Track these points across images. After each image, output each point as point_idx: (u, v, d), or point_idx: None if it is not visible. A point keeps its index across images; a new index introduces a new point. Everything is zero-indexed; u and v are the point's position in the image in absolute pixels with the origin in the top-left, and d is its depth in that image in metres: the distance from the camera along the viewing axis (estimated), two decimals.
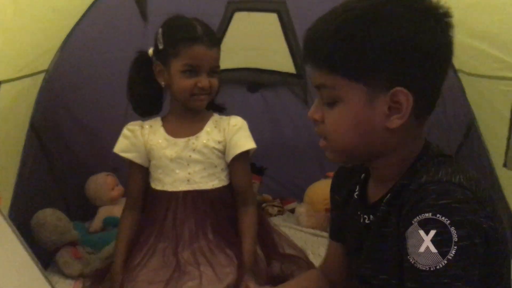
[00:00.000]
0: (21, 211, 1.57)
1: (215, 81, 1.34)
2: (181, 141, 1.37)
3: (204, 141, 1.36)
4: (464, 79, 1.72)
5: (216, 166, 1.38)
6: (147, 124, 1.42)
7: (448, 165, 0.74)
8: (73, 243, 1.75)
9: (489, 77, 1.55)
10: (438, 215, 0.66)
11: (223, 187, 1.39)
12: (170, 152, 1.37)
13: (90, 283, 1.46)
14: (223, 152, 1.38)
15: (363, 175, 0.90)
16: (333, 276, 1.02)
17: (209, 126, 1.38)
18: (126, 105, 1.96)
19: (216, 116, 1.42)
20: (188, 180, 1.36)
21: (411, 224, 0.68)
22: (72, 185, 1.99)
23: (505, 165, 1.52)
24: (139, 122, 1.44)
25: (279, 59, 1.97)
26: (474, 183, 0.70)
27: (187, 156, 1.36)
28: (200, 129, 1.38)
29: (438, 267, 0.64)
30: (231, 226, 1.38)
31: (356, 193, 0.89)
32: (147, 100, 1.41)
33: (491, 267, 0.73)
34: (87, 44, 1.79)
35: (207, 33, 1.31)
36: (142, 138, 1.39)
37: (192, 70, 1.30)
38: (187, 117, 1.39)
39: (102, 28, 1.80)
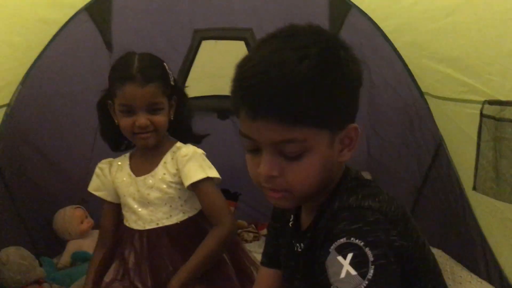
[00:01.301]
0: None
1: (158, 118, 1.28)
2: (140, 179, 1.35)
3: (160, 177, 1.33)
4: (431, 102, 1.75)
5: (177, 199, 1.35)
6: (116, 161, 1.41)
7: (360, 189, 0.76)
8: (39, 281, 1.70)
9: (455, 100, 1.57)
10: (352, 239, 0.68)
11: (189, 219, 1.36)
12: (132, 190, 1.35)
13: None
14: (181, 183, 1.35)
15: None
16: None
17: (166, 159, 1.35)
18: (94, 136, 1.95)
19: (175, 146, 1.38)
20: (151, 219, 1.34)
21: (329, 252, 0.69)
22: (38, 220, 1.94)
23: (474, 188, 1.53)
24: (109, 159, 1.43)
25: None
26: (384, 205, 0.73)
27: (145, 195, 1.34)
28: (157, 164, 1.35)
29: None
30: None
31: (291, 222, 0.90)
32: (118, 137, 1.37)
33: (413, 284, 0.76)
34: (51, 76, 1.77)
35: (142, 70, 1.25)
36: (110, 177, 1.39)
37: (128, 110, 1.26)
38: (147, 152, 1.37)
39: (65, 59, 1.78)
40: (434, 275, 0.80)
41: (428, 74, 1.67)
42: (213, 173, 1.32)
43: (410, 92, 1.83)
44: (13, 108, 1.65)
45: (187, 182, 1.30)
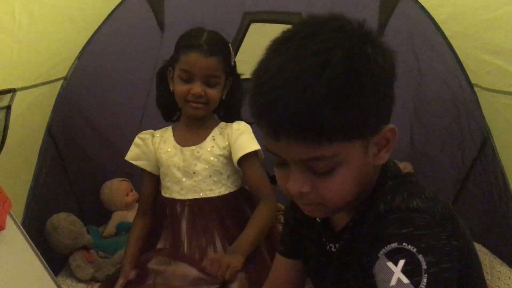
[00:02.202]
0: (36, 215, 1.60)
1: (212, 92, 1.34)
2: (187, 149, 1.40)
3: (208, 149, 1.38)
4: (480, 94, 1.71)
5: (221, 173, 1.39)
6: (158, 133, 1.46)
7: (404, 188, 0.72)
8: (86, 247, 1.78)
9: (505, 92, 1.53)
10: (404, 244, 0.64)
11: (230, 194, 1.41)
12: (178, 160, 1.40)
13: None
14: (229, 157, 1.39)
15: None
16: None
17: (214, 133, 1.40)
18: (142, 112, 2.02)
19: (222, 123, 1.44)
20: (195, 189, 1.38)
21: (378, 258, 0.65)
22: (87, 190, 2.02)
23: None
24: (150, 131, 1.48)
25: None
26: (432, 203, 0.69)
27: (192, 165, 1.38)
28: (205, 137, 1.40)
29: None
30: (239, 233, 1.38)
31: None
32: (171, 106, 1.44)
33: (470, 279, 0.74)
34: (105, 53, 1.83)
35: (210, 42, 1.32)
36: (153, 147, 1.43)
37: (187, 76, 1.32)
38: (193, 125, 1.42)
39: (119, 37, 1.84)
40: (479, 279, 0.78)
41: (479, 65, 1.63)
42: (259, 147, 1.37)
43: (459, 83, 1.79)
44: (69, 81, 1.72)
45: (240, 153, 1.35)
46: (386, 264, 0.64)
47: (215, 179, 1.39)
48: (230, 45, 1.42)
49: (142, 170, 1.47)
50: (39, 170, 1.63)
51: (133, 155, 1.45)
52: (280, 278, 0.99)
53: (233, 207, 1.41)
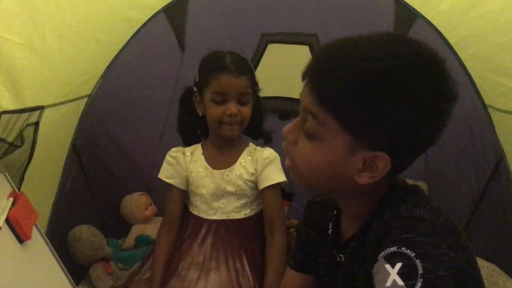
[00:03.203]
0: (59, 226, 1.65)
1: (245, 110, 1.38)
2: (218, 172, 1.43)
3: (238, 174, 1.41)
4: (494, 115, 1.72)
5: (248, 197, 1.43)
6: (188, 151, 1.49)
7: (409, 198, 0.75)
8: (106, 259, 1.83)
9: None
10: (403, 248, 0.66)
11: (255, 215, 1.45)
12: (208, 182, 1.43)
13: None
14: (255, 182, 1.43)
15: (335, 211, 0.89)
16: None
17: (243, 157, 1.43)
18: (162, 129, 2.07)
19: (251, 147, 1.46)
20: (222, 210, 1.42)
21: (377, 260, 0.68)
22: (108, 203, 2.07)
23: None
24: (180, 148, 1.50)
25: None
26: (435, 215, 0.72)
27: (222, 188, 1.41)
28: (235, 160, 1.43)
29: None
30: (262, 252, 1.42)
31: (330, 230, 0.89)
32: (194, 131, 1.49)
33: None
34: (128, 71, 1.89)
35: (235, 63, 1.36)
36: (185, 165, 1.46)
37: (220, 98, 1.35)
38: (223, 147, 1.45)
39: (142, 56, 1.90)
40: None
41: (492, 87, 1.65)
42: (284, 177, 1.39)
43: (473, 104, 1.81)
44: (93, 99, 1.78)
45: (266, 183, 1.38)
46: (384, 266, 0.66)
47: (242, 201, 1.42)
48: (249, 62, 1.46)
49: (172, 188, 1.48)
50: (63, 183, 1.68)
51: (167, 174, 1.47)
52: None
53: (256, 227, 1.45)
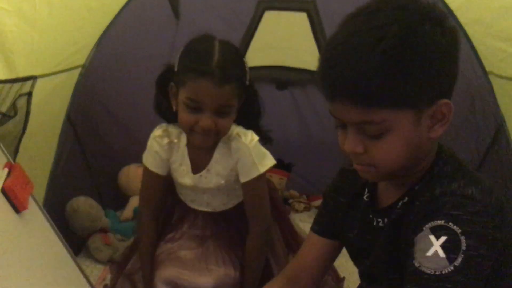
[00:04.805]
0: (56, 198, 1.65)
1: (223, 122, 1.17)
2: (196, 176, 1.30)
3: (216, 173, 1.29)
4: (495, 81, 1.70)
5: (234, 189, 1.33)
6: (174, 136, 1.31)
7: (462, 176, 0.76)
8: (104, 230, 1.84)
9: None
10: (450, 224, 0.68)
11: (242, 201, 1.37)
12: (188, 181, 1.32)
13: (116, 267, 1.54)
14: (237, 172, 1.30)
15: None
16: (303, 275, 1.01)
17: (218, 151, 1.27)
18: None
19: (225, 137, 1.26)
20: (208, 204, 1.37)
21: (422, 230, 0.70)
22: (105, 175, 2.07)
23: None
24: (164, 128, 1.32)
25: (308, 57, 1.98)
26: (486, 194, 0.72)
27: (203, 188, 1.32)
28: (210, 157, 1.28)
29: (443, 272, 0.65)
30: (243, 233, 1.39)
31: (366, 195, 0.90)
32: (172, 114, 1.25)
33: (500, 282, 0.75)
34: (122, 40, 1.85)
35: (222, 66, 1.12)
36: (166, 155, 1.31)
37: (195, 106, 1.14)
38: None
39: (136, 25, 1.86)
40: None
41: (493, 52, 1.62)
42: (267, 163, 1.26)
43: (473, 70, 1.79)
44: (87, 69, 1.75)
45: (241, 179, 1.28)
46: (428, 237, 0.68)
47: (228, 194, 1.35)
48: (244, 59, 1.23)
49: (151, 174, 1.32)
50: (59, 155, 1.68)
51: (152, 162, 1.33)
52: (310, 255, 1.03)
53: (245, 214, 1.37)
